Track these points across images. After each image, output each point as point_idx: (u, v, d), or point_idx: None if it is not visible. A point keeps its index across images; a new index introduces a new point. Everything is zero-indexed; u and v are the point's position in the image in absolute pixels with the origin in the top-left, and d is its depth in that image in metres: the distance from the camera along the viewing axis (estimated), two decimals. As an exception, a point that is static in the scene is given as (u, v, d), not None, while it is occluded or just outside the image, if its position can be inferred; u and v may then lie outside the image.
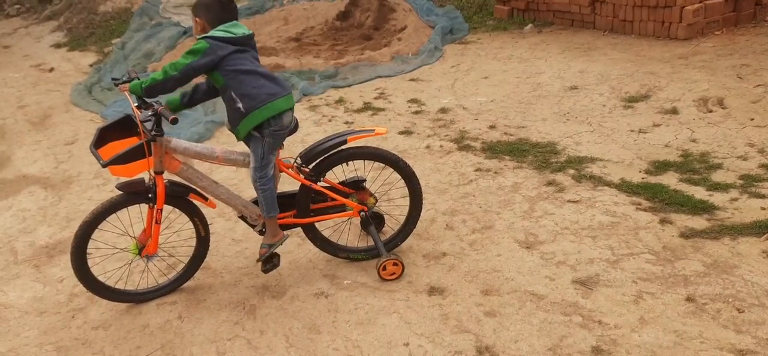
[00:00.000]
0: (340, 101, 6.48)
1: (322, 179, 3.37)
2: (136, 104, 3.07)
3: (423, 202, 3.59)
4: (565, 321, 2.92)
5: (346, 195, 3.45)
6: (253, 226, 3.38)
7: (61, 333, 3.20)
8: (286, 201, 3.37)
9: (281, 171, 3.30)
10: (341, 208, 3.48)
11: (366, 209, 3.48)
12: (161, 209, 3.16)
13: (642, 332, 2.80)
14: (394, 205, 3.83)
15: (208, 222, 3.41)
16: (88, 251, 3.15)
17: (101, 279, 3.28)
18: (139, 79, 3.08)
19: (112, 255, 3.54)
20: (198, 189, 3.24)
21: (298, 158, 3.32)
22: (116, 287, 3.33)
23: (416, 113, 5.90)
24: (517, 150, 4.80)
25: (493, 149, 4.87)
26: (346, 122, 5.84)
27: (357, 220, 3.65)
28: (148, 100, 3.02)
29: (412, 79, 6.94)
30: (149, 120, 3.00)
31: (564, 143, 4.88)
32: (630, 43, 7.26)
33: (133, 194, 3.14)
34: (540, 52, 7.37)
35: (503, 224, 3.80)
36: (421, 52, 7.77)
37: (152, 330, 3.15)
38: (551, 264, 3.35)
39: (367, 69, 7.37)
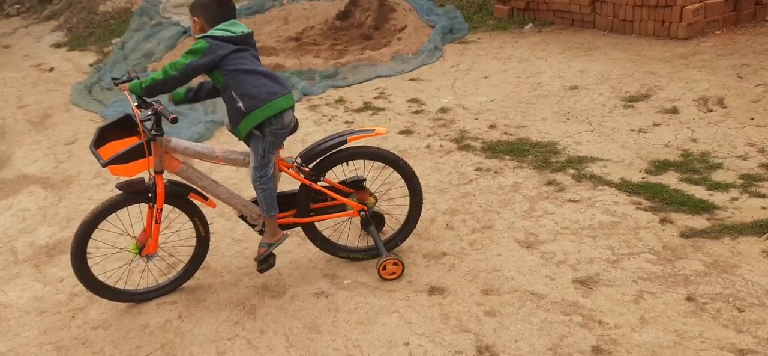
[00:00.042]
0: (340, 100, 6.48)
1: (322, 178, 3.37)
2: (135, 104, 3.06)
3: (423, 202, 3.59)
4: (566, 320, 2.91)
5: (346, 195, 3.45)
6: (253, 226, 3.38)
7: (61, 332, 3.20)
8: (286, 201, 3.37)
9: (281, 171, 3.30)
10: (341, 208, 3.48)
11: (366, 208, 3.48)
12: (161, 209, 3.16)
13: (642, 331, 2.80)
14: (394, 205, 3.83)
15: (208, 222, 3.41)
16: (88, 250, 3.15)
17: (101, 278, 3.28)
18: (138, 78, 3.08)
19: (112, 255, 3.54)
20: (198, 189, 3.24)
21: (298, 158, 3.32)
22: (116, 286, 3.33)
23: (416, 112, 5.90)
24: (517, 150, 4.80)
25: (493, 149, 4.87)
26: (346, 122, 5.83)
27: (357, 220, 3.65)
28: (148, 99, 3.02)
29: (412, 79, 6.94)
30: (149, 120, 3.00)
31: (564, 142, 4.88)
32: (630, 43, 7.26)
33: (133, 193, 3.14)
34: (540, 51, 7.37)
35: (503, 223, 3.80)
36: (421, 51, 7.77)
37: (152, 330, 3.15)
38: (551, 264, 3.35)
39: (367, 69, 7.37)
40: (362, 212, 3.47)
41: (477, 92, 6.28)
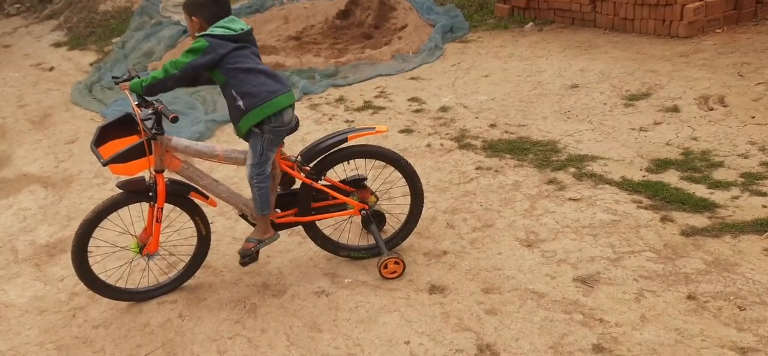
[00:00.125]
0: (341, 99, 6.47)
1: (323, 177, 3.37)
2: (136, 103, 3.06)
3: (424, 200, 3.58)
4: (566, 319, 2.91)
5: (347, 194, 3.45)
6: (253, 225, 3.38)
7: (62, 331, 3.20)
8: (287, 200, 3.37)
9: (282, 170, 3.29)
10: (342, 206, 3.48)
11: (367, 207, 3.48)
12: (162, 208, 3.16)
13: (643, 330, 2.79)
14: (394, 203, 3.83)
15: (209, 221, 3.41)
16: (88, 249, 3.15)
17: (102, 277, 3.29)
18: (139, 77, 3.08)
19: (112, 254, 3.54)
20: (199, 188, 3.24)
21: (299, 157, 3.32)
22: (117, 285, 3.33)
23: (417, 111, 5.90)
24: (517, 148, 4.80)
25: (493, 148, 4.86)
26: (347, 121, 5.83)
27: (358, 218, 3.64)
28: (149, 98, 3.02)
29: (412, 78, 6.94)
30: (149, 118, 3.00)
31: (565, 141, 4.88)
32: (631, 42, 7.25)
33: (134, 192, 3.14)
34: (540, 50, 7.37)
35: (504, 222, 3.79)
36: (422, 50, 7.76)
37: (153, 329, 3.15)
38: (552, 262, 3.35)
39: (368, 68, 7.36)
40: (363, 211, 3.47)
41: (477, 91, 6.27)
